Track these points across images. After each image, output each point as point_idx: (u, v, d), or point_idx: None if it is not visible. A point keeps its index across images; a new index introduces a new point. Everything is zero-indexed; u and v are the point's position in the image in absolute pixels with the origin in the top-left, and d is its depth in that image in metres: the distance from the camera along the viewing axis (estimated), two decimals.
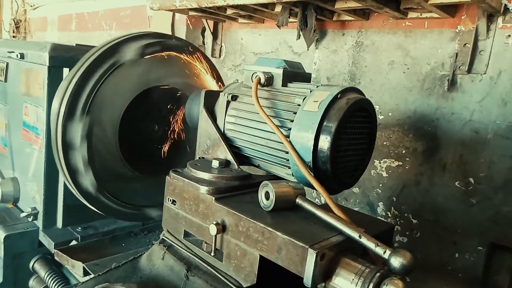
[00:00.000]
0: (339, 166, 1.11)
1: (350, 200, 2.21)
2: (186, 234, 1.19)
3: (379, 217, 2.06)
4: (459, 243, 1.82)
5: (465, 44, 1.75)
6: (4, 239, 1.81)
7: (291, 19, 2.07)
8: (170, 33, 2.87)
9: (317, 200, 2.26)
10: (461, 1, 1.61)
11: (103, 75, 1.59)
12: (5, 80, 2.09)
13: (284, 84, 1.24)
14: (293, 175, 1.16)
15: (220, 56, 2.86)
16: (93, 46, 1.68)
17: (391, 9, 1.78)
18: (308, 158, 1.08)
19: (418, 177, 1.94)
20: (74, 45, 1.80)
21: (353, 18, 2.07)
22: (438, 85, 1.86)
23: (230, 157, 1.28)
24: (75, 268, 1.61)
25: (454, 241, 1.83)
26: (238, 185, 1.18)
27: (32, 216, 1.88)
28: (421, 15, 1.87)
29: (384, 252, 0.85)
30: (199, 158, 1.37)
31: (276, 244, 0.93)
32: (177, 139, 1.79)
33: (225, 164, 1.26)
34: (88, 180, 1.63)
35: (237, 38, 2.76)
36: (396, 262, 0.83)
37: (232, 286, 1.04)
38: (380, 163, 2.07)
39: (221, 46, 2.86)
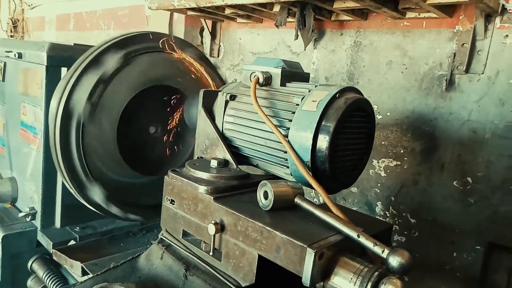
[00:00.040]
0: (337, 166, 1.11)
1: (349, 200, 2.21)
2: (185, 234, 1.20)
3: (378, 217, 2.07)
4: (457, 242, 1.82)
5: (463, 44, 1.76)
6: (2, 239, 1.81)
7: (289, 19, 2.07)
8: (167, 33, 2.87)
9: (315, 199, 2.26)
10: (459, 1, 1.62)
11: (102, 75, 1.58)
12: (3, 80, 2.08)
13: (283, 84, 1.24)
14: (291, 175, 1.16)
15: (218, 56, 2.86)
16: (91, 46, 1.67)
17: (389, 9, 1.78)
18: (307, 157, 1.08)
19: (416, 177, 1.95)
20: (72, 44, 1.80)
21: (351, 18, 2.07)
22: (436, 85, 1.87)
23: (228, 156, 1.28)
24: (74, 268, 1.61)
25: (452, 241, 1.83)
26: (237, 185, 1.18)
27: (30, 216, 1.88)
28: (419, 15, 1.87)
29: (383, 252, 0.85)
30: (198, 157, 1.37)
31: (275, 243, 0.93)
32: (176, 139, 1.79)
33: (223, 163, 1.26)
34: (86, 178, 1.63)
35: (235, 37, 2.76)
36: (395, 261, 0.83)
37: (231, 285, 1.04)
38: (378, 162, 2.07)
39: (220, 45, 2.86)
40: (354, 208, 2.13)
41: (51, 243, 1.76)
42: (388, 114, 2.03)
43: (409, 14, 1.90)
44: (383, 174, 2.06)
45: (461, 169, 1.80)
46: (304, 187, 1.10)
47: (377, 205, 2.10)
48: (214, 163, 1.24)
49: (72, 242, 1.81)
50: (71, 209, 1.85)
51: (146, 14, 3.24)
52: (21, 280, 1.92)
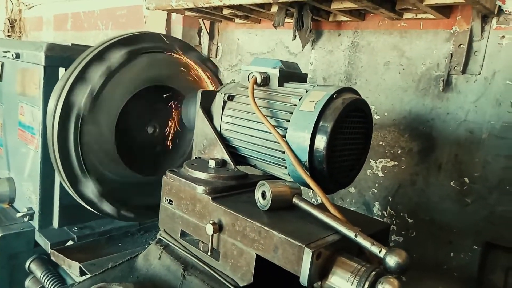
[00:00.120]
0: (335, 166, 1.12)
1: (346, 200, 2.22)
2: (183, 234, 1.20)
3: (375, 217, 2.07)
4: (454, 242, 1.83)
5: (460, 44, 1.77)
6: (0, 239, 1.80)
7: (287, 20, 2.08)
8: (165, 33, 2.87)
9: (313, 199, 2.27)
10: (455, 2, 1.62)
11: (101, 75, 1.58)
12: (1, 80, 2.08)
13: (281, 84, 1.25)
14: (289, 175, 1.17)
15: (216, 56, 2.87)
16: (89, 46, 1.67)
17: (387, 9, 1.79)
18: (304, 158, 1.09)
19: (413, 177, 1.96)
20: (70, 44, 1.80)
21: (349, 19, 2.08)
22: (433, 86, 1.87)
23: (226, 157, 1.28)
24: (72, 268, 1.61)
25: (450, 241, 1.84)
26: (235, 185, 1.18)
27: (28, 216, 1.87)
28: (416, 16, 1.88)
29: (380, 251, 0.86)
30: (196, 158, 1.37)
31: (273, 243, 0.94)
32: (174, 139, 1.79)
33: (221, 164, 1.26)
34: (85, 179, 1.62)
35: (233, 38, 2.76)
36: (392, 261, 0.83)
37: (229, 285, 1.04)
38: (376, 163, 2.08)
39: (218, 46, 2.86)
40: (352, 208, 2.14)
41: (49, 243, 1.76)
42: (386, 114, 2.03)
43: (406, 15, 1.90)
44: (380, 174, 2.07)
45: (458, 169, 1.81)
46: (302, 187, 1.10)
47: (375, 205, 2.10)
48: (212, 163, 1.25)
49: (70, 242, 1.80)
50: (69, 210, 1.84)
51: (144, 14, 3.24)
52: (19, 281, 1.91)
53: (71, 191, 1.66)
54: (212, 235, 1.05)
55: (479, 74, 1.74)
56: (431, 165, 1.89)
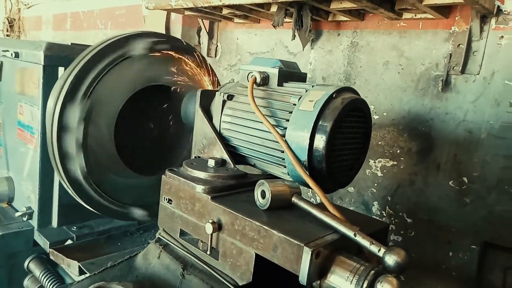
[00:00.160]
0: (334, 165, 1.12)
1: (345, 200, 2.22)
2: (182, 233, 1.20)
3: (374, 216, 2.08)
4: (453, 242, 1.84)
5: (459, 44, 1.77)
6: None
7: (286, 19, 2.08)
8: (164, 32, 2.87)
9: (312, 199, 2.27)
10: (454, 2, 1.63)
11: (99, 74, 1.58)
12: (0, 79, 2.08)
13: (280, 84, 1.25)
14: (288, 174, 1.17)
15: (215, 56, 2.87)
16: (89, 45, 1.67)
17: (386, 9, 1.79)
18: (304, 157, 1.09)
19: (412, 177, 1.96)
20: (69, 44, 1.80)
21: (348, 19, 2.08)
22: (432, 86, 1.88)
23: (226, 156, 1.28)
24: (71, 267, 1.61)
25: (448, 240, 1.85)
26: (234, 184, 1.18)
27: (27, 216, 1.87)
28: (415, 16, 1.88)
29: (379, 250, 0.86)
30: (195, 157, 1.37)
31: (272, 242, 0.94)
32: (173, 138, 1.79)
33: (221, 163, 1.26)
34: (84, 179, 1.62)
35: (232, 38, 2.76)
36: (391, 260, 0.84)
37: (228, 284, 1.04)
38: (375, 162, 2.08)
39: (217, 45, 2.86)
40: (351, 208, 2.14)
41: (48, 243, 1.75)
42: (385, 114, 2.04)
43: (406, 15, 1.91)
44: (379, 174, 2.07)
45: (457, 169, 1.81)
46: (301, 187, 1.10)
47: (374, 205, 2.11)
48: (211, 163, 1.25)
49: (69, 242, 1.80)
50: (68, 209, 1.84)
51: (143, 14, 3.24)
52: (17, 280, 1.91)
53: (70, 191, 1.66)
54: (212, 234, 1.05)
55: (478, 74, 1.74)
56: (430, 165, 1.90)
